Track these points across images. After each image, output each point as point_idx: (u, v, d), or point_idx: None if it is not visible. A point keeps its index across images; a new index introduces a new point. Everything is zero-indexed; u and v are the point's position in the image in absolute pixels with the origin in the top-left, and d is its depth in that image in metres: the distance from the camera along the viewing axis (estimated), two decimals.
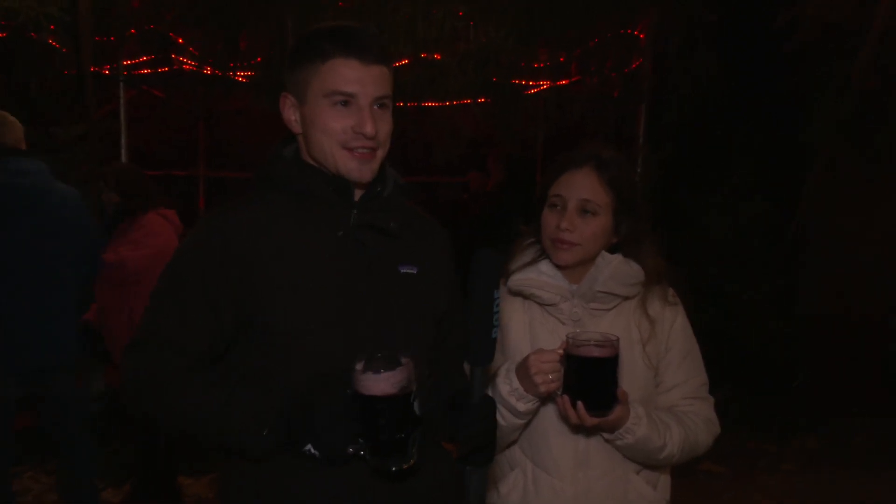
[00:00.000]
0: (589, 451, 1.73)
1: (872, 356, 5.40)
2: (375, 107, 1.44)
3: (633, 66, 5.73)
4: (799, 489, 4.50)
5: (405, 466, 1.32)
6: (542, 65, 5.66)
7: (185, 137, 7.39)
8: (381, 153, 1.48)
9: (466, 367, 1.53)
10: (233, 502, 1.50)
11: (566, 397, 1.57)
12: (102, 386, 5.04)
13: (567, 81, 5.78)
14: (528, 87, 5.72)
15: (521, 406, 1.63)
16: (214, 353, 1.46)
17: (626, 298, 1.77)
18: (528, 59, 5.53)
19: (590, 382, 1.55)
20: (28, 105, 5.08)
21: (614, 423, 1.61)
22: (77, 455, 3.42)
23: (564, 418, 1.62)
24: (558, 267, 1.77)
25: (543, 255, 1.81)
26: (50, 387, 3.27)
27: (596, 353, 1.52)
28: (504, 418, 1.64)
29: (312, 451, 1.33)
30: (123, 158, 5.36)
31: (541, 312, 1.79)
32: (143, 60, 5.43)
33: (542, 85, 5.76)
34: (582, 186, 1.72)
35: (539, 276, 1.77)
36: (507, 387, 1.63)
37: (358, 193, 1.51)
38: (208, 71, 5.39)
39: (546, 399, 1.67)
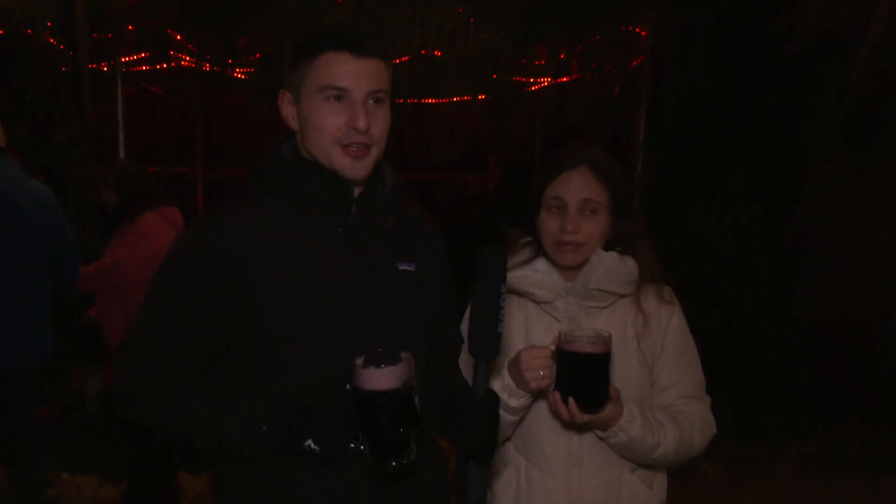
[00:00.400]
0: (583, 448, 1.72)
1: (870, 361, 5.39)
2: (370, 101, 1.42)
3: (634, 63, 5.73)
4: (795, 494, 4.49)
5: (405, 462, 1.30)
6: (541, 62, 5.66)
7: (182, 136, 7.40)
8: (375, 150, 1.46)
9: (471, 361, 1.52)
10: (229, 501, 1.49)
11: (557, 394, 1.56)
12: (100, 385, 5.04)
13: (567, 79, 5.78)
14: (527, 84, 5.72)
15: (513, 402, 1.63)
16: (209, 355, 1.44)
17: (622, 296, 1.77)
18: (528, 58, 5.53)
19: (581, 379, 1.54)
20: (25, 104, 5.07)
21: (606, 420, 1.61)
22: (25, 456, 3.32)
23: (557, 415, 1.62)
24: (556, 265, 1.77)
25: (539, 253, 1.82)
26: (12, 388, 3.19)
27: (588, 349, 1.51)
28: None
29: (313, 446, 1.31)
30: (122, 156, 5.34)
31: (536, 310, 1.79)
32: (141, 57, 5.42)
33: (543, 82, 5.76)
34: (581, 187, 1.72)
35: (534, 273, 1.78)
36: (499, 382, 1.63)
37: (357, 192, 1.50)
38: (206, 68, 5.38)
39: (539, 396, 1.67)
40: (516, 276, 1.76)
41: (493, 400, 1.47)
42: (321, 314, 1.41)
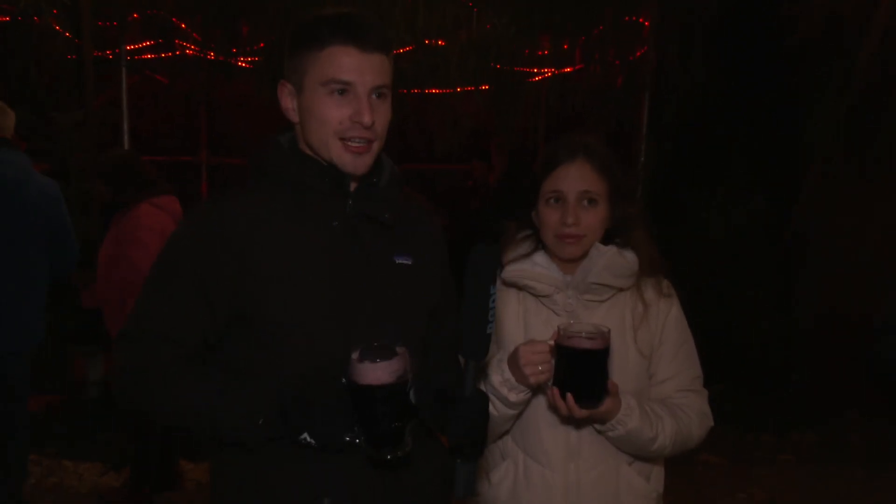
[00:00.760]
0: (581, 442, 1.73)
1: (867, 353, 5.40)
2: (374, 96, 1.42)
3: (638, 54, 5.71)
4: (795, 483, 4.52)
5: (400, 454, 1.32)
6: (544, 52, 5.64)
7: (187, 124, 7.40)
8: (377, 145, 1.46)
9: (461, 359, 1.54)
10: (226, 491, 1.50)
11: (556, 389, 1.56)
12: (102, 372, 5.07)
13: (570, 69, 5.76)
14: (530, 74, 5.70)
15: (513, 396, 1.64)
16: (207, 344, 1.45)
17: (621, 290, 1.77)
18: (531, 48, 5.51)
19: (580, 374, 1.55)
20: (28, 90, 5.08)
21: (604, 414, 1.61)
22: (10, 446, 3.36)
23: (555, 409, 1.63)
24: (556, 259, 1.78)
25: (538, 247, 1.82)
26: (4, 373, 3.27)
27: (586, 344, 1.51)
28: (496, 408, 1.64)
29: (308, 439, 1.33)
30: (126, 145, 5.33)
31: (535, 303, 1.79)
32: (146, 45, 5.42)
33: (546, 73, 5.74)
34: (579, 178, 1.72)
35: (533, 267, 1.77)
36: (498, 377, 1.64)
37: (353, 184, 1.50)
38: (211, 56, 5.38)
39: (538, 390, 1.68)
40: (515, 270, 1.76)
41: (482, 400, 1.47)
42: (320, 305, 1.42)
